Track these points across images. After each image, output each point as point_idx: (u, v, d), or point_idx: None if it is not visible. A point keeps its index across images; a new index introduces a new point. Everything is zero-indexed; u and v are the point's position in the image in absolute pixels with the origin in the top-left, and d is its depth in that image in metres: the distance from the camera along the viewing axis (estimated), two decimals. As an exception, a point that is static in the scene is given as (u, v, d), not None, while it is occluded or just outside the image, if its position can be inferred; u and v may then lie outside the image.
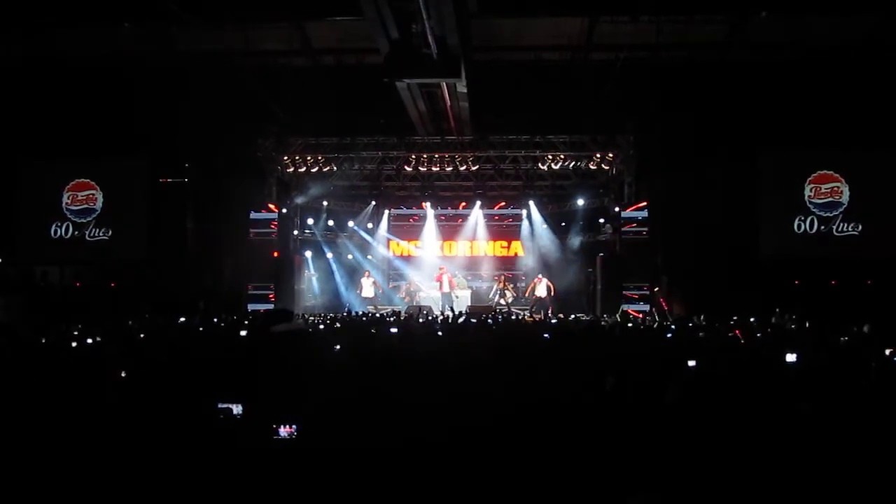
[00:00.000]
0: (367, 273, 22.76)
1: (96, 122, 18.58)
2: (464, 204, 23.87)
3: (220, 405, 4.46)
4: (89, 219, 20.64)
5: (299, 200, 22.41)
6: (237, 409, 4.49)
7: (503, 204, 24.02)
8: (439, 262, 23.32)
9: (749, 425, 4.22)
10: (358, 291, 22.46)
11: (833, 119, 17.67)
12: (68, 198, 20.69)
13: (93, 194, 20.70)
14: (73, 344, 8.57)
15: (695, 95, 17.15)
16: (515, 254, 24.50)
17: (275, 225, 20.44)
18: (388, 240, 24.60)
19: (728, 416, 4.38)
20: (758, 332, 11.14)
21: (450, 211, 24.18)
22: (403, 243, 24.58)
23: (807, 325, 12.76)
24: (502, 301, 21.77)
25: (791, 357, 6.65)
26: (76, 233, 20.62)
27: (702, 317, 14.24)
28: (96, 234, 20.63)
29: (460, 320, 13.95)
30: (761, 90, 17.24)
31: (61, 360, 7.37)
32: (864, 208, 19.42)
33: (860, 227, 19.41)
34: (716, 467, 3.53)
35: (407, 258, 24.49)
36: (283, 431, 4.10)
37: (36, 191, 20.80)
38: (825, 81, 16.90)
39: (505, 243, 24.62)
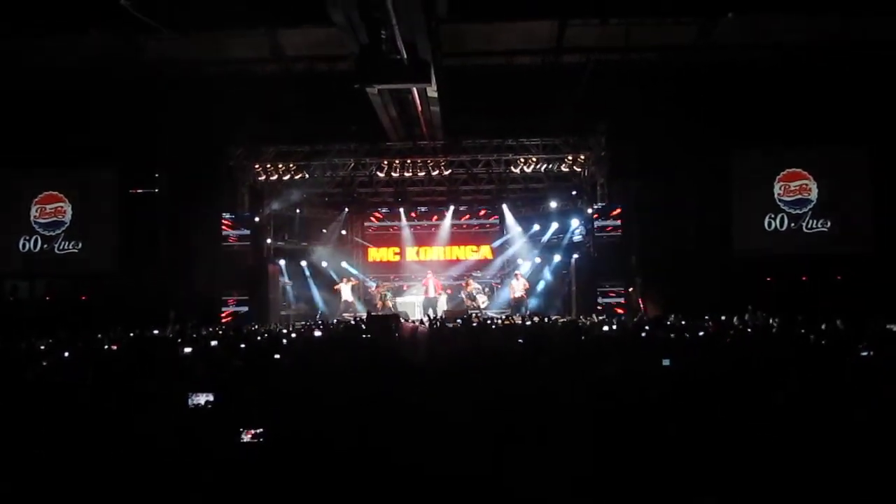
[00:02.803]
0: (345, 279, 22.66)
1: (64, 133, 18.34)
2: (436, 217, 23.86)
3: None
4: (58, 231, 20.37)
5: (272, 208, 22.28)
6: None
7: (468, 217, 24.00)
8: (421, 268, 23.36)
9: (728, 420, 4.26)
10: (338, 296, 22.36)
11: (801, 117, 17.94)
12: (36, 211, 20.41)
13: (61, 206, 20.43)
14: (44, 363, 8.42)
15: (666, 96, 17.28)
16: (485, 257, 24.50)
17: (248, 234, 20.31)
18: (366, 246, 24.54)
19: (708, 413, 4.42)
20: (730, 330, 11.25)
21: (424, 222, 24.15)
22: (380, 249, 24.50)
23: (773, 321, 12.88)
24: (475, 304, 21.81)
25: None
26: (45, 246, 20.35)
27: (673, 316, 14.34)
28: (66, 247, 20.37)
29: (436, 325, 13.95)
30: (731, 90, 17.43)
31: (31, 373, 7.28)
32: (833, 204, 19.70)
33: (829, 224, 19.68)
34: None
35: (385, 264, 24.40)
36: (248, 436, 4.11)
37: (3, 204, 20.50)
38: (793, 80, 17.14)
39: (475, 248, 24.61)
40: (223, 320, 19.13)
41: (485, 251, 24.57)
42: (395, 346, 6.48)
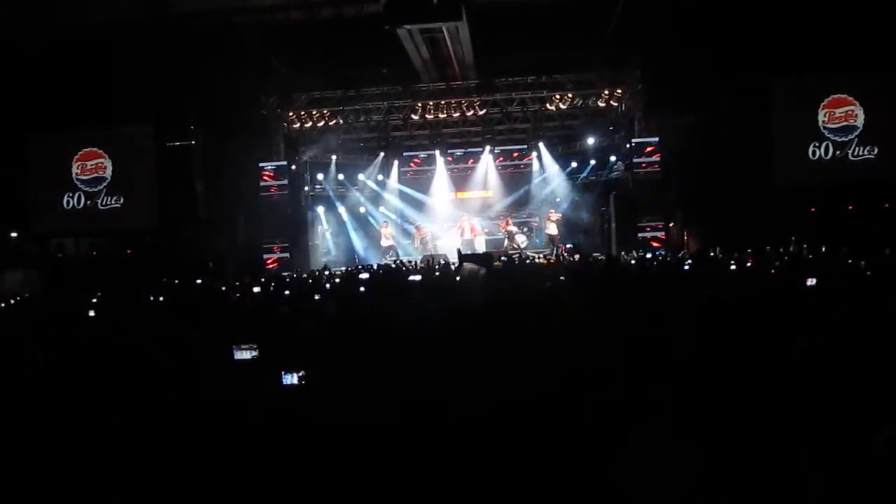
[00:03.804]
0: (385, 223, 22.68)
1: (99, 90, 18.46)
2: (472, 160, 23.54)
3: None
4: (100, 187, 20.64)
5: (308, 156, 22.31)
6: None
7: (516, 154, 23.66)
8: (456, 210, 23.25)
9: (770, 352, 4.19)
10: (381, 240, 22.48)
11: (844, 41, 17.26)
12: (77, 168, 20.67)
13: (101, 163, 20.66)
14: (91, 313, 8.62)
15: (702, 25, 16.79)
16: (485, 197, 23.94)
17: (285, 182, 20.41)
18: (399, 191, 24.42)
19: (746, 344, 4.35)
20: (776, 262, 11.09)
21: (459, 151, 23.78)
22: (416, 193, 24.32)
23: (823, 250, 12.66)
24: (515, 246, 21.77)
25: (811, 282, 6.61)
26: (88, 202, 20.65)
27: (718, 249, 14.16)
28: (108, 203, 20.65)
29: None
30: (770, 15, 16.85)
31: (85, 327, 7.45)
32: (880, 130, 19.06)
33: (876, 150, 19.09)
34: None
35: (423, 205, 24.19)
36: (290, 378, 4.14)
37: (45, 163, 20.81)
38: (834, 2, 16.49)
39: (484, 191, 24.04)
40: (268, 266, 19.36)
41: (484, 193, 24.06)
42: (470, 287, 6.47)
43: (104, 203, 20.61)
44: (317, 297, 8.42)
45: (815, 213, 18.64)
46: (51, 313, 9.42)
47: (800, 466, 2.68)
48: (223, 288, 12.24)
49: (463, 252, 16.41)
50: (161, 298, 10.77)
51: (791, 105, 19.53)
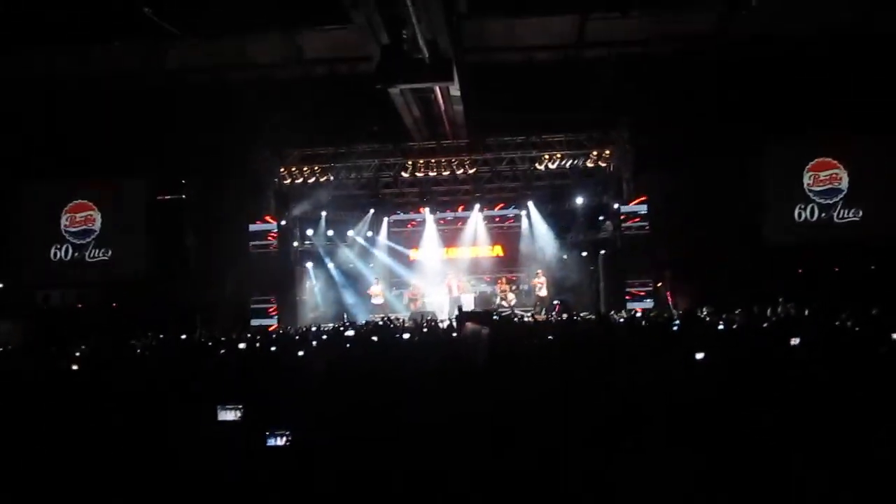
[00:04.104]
0: (377, 280, 22.68)
1: (91, 142, 18.56)
2: (462, 206, 23.71)
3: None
4: (88, 240, 20.58)
5: (298, 211, 22.35)
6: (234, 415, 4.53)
7: (502, 205, 23.87)
8: (444, 268, 23.26)
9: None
10: (371, 298, 22.42)
11: (829, 105, 17.62)
12: (67, 220, 20.63)
13: (91, 215, 20.63)
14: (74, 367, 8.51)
15: (690, 88, 17.11)
16: (497, 255, 24.21)
17: (274, 237, 20.40)
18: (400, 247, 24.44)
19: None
20: (763, 322, 11.10)
21: (449, 214, 24.00)
22: (405, 250, 24.38)
23: (806, 312, 12.68)
24: (504, 304, 21.73)
25: (795, 341, 6.62)
26: (76, 254, 20.56)
27: (704, 309, 14.16)
28: (96, 255, 20.56)
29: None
30: (756, 79, 17.20)
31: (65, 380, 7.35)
32: (864, 193, 19.34)
33: (861, 213, 19.33)
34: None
35: (408, 264, 24.27)
36: (275, 440, 4.08)
37: (34, 214, 20.76)
38: (819, 68, 16.86)
39: (494, 246, 24.28)
40: (251, 325, 19.22)
41: (497, 249, 24.30)
42: (471, 346, 6.45)
43: (92, 255, 20.52)
44: (300, 353, 8.34)
45: (801, 273, 18.75)
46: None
47: (797, 468, 2.64)
48: (209, 343, 12.12)
49: (458, 310, 16.40)
50: (147, 353, 10.66)
51: (777, 166, 19.82)
